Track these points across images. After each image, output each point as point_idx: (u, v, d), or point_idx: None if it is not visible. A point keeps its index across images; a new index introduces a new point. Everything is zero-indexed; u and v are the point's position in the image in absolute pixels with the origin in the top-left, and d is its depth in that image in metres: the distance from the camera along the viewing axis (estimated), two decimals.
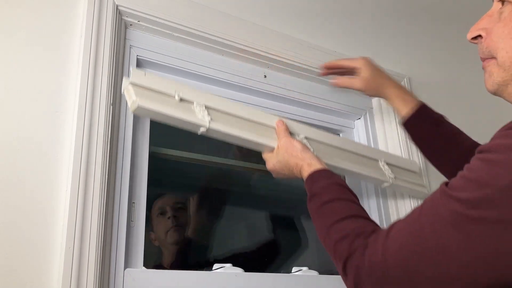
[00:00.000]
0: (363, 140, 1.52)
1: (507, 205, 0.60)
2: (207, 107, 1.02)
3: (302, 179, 0.99)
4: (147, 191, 1.08)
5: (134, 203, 1.05)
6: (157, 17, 1.16)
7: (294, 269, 1.25)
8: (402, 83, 1.61)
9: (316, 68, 1.37)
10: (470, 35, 0.80)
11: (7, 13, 1.00)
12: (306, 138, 1.14)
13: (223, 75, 1.28)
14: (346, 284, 0.79)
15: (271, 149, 1.07)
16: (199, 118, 0.99)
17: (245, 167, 1.43)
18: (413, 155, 1.46)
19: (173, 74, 1.22)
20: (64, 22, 1.06)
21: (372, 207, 1.44)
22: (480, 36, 0.78)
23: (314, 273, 1.25)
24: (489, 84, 0.76)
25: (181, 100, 1.00)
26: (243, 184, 1.71)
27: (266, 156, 1.09)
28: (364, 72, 1.18)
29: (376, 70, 1.20)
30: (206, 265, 1.31)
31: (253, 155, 1.22)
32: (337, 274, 1.41)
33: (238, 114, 1.07)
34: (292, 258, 1.65)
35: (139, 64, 1.17)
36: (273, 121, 1.10)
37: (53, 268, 0.87)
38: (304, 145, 1.04)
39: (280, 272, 1.26)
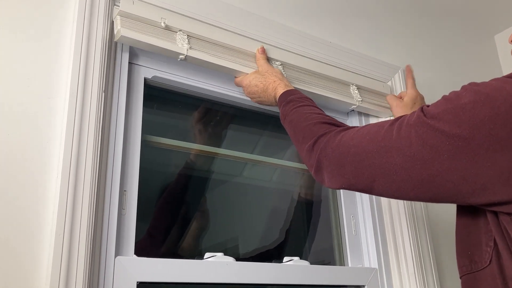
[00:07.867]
0: None
1: (460, 121, 0.68)
2: (189, 35, 1.14)
3: (273, 99, 1.14)
4: (138, 179, 1.07)
5: (125, 191, 1.04)
6: (150, 3, 1.14)
7: (285, 258, 1.25)
8: (397, 75, 1.61)
9: (312, 57, 1.39)
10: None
11: None
12: (282, 65, 1.29)
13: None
14: (308, 160, 0.91)
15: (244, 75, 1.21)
16: (178, 47, 1.11)
17: (238, 157, 1.42)
18: None
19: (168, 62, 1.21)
20: (56, 7, 1.04)
21: (364, 200, 1.45)
22: None
23: (306, 263, 1.25)
24: None
25: (167, 26, 1.10)
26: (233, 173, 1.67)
27: (241, 77, 1.22)
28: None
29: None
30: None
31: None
32: (328, 264, 1.42)
33: (220, 42, 1.19)
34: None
35: (132, 50, 1.16)
36: (255, 47, 1.25)
37: (43, 255, 0.86)
38: (282, 73, 1.22)
39: (271, 262, 1.25)
